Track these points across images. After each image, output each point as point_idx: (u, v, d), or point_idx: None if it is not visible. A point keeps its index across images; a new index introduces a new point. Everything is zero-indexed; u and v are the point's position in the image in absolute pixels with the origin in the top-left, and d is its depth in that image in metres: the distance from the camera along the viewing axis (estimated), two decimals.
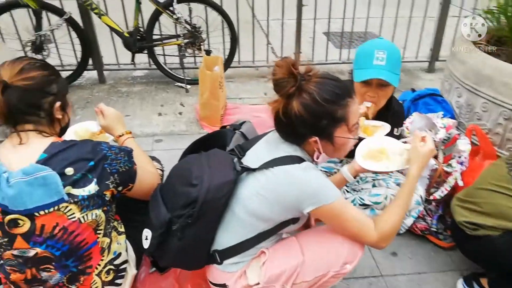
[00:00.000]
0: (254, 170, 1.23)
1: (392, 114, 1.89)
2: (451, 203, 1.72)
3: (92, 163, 1.18)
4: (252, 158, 1.29)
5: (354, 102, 1.22)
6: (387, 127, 1.70)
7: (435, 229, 1.92)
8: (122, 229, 1.40)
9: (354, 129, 1.24)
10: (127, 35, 3.24)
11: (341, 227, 1.25)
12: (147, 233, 1.26)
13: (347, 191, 2.07)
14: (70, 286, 1.23)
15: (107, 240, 1.29)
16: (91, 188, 1.18)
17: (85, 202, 1.17)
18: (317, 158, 1.28)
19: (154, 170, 1.45)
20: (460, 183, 1.93)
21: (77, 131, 1.65)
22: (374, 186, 2.02)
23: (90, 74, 3.51)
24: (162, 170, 1.63)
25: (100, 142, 1.26)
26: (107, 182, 1.22)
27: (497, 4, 2.39)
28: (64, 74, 3.33)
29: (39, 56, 3.15)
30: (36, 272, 1.19)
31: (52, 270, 1.20)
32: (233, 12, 3.43)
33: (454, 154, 2.05)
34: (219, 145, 1.60)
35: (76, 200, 1.15)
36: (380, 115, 1.87)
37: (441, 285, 1.74)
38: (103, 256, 1.28)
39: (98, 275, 1.27)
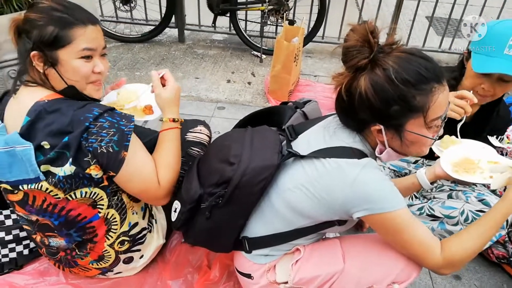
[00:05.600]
0: (302, 157, 1.05)
1: (496, 118, 1.55)
2: None
3: (66, 139, 0.99)
4: (303, 143, 1.11)
5: (442, 91, 0.95)
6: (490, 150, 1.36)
7: None
8: None
9: (433, 125, 0.97)
10: None
11: (398, 243, 1.03)
12: (176, 205, 1.16)
13: (415, 197, 1.79)
14: (79, 251, 1.20)
15: (113, 211, 1.18)
16: (66, 169, 1.01)
17: (63, 184, 1.04)
18: (380, 153, 1.05)
19: (161, 177, 1.15)
20: None
21: (121, 92, 1.35)
22: (450, 197, 1.71)
23: (171, 32, 3.52)
24: (209, 137, 1.51)
25: (91, 108, 1.03)
26: (86, 159, 1.03)
27: None
28: (147, 29, 3.38)
29: (126, 7, 3.22)
30: (44, 238, 1.17)
31: (58, 237, 1.16)
32: None
33: None
34: (275, 122, 1.44)
35: (53, 180, 1.03)
36: (480, 116, 1.53)
37: None
38: (116, 229, 1.21)
39: (111, 245, 1.22)
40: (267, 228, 1.12)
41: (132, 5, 3.24)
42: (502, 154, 1.72)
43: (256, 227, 1.13)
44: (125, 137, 1.04)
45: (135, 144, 1.10)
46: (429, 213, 1.70)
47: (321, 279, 1.10)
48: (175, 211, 1.16)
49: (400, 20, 3.73)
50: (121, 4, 3.21)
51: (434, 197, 1.75)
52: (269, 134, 1.16)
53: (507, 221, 1.56)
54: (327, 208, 1.01)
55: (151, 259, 1.38)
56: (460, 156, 1.25)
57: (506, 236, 1.62)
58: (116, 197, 1.18)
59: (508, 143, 1.80)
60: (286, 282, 1.12)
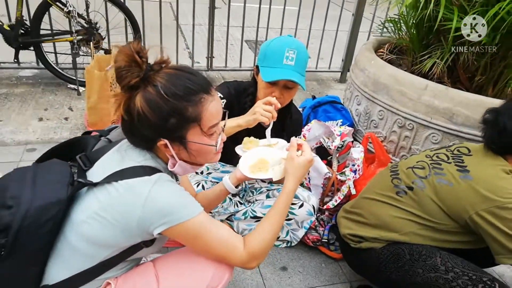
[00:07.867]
0: (95, 185, 1.00)
1: (291, 120, 1.78)
2: (338, 214, 1.63)
3: None
4: (98, 170, 1.06)
5: (212, 100, 1.04)
6: (283, 143, 1.57)
7: (326, 240, 1.83)
8: None
9: (212, 132, 1.06)
10: (7, 28, 2.83)
11: (202, 248, 1.06)
12: None
13: (241, 203, 1.91)
14: None
15: None
16: None
17: None
18: (173, 166, 1.08)
19: None
20: (353, 191, 1.86)
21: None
22: (268, 197, 1.88)
23: None
24: None
25: None
26: None
27: (399, 13, 2.42)
28: None
29: None
30: None
31: None
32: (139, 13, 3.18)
33: (348, 162, 2.00)
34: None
35: None
36: (277, 122, 1.75)
37: None
38: None
39: None
40: (69, 269, 1.02)
41: None
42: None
43: (56, 272, 1.02)
44: None
45: None
46: (252, 215, 1.84)
47: None
48: None
49: (220, 44, 4.05)
50: None
51: (256, 200, 1.90)
52: (55, 167, 1.06)
53: (313, 207, 1.80)
54: (125, 232, 0.98)
55: None
56: (256, 158, 1.38)
57: (316, 221, 1.86)
58: None
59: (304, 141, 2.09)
60: None
